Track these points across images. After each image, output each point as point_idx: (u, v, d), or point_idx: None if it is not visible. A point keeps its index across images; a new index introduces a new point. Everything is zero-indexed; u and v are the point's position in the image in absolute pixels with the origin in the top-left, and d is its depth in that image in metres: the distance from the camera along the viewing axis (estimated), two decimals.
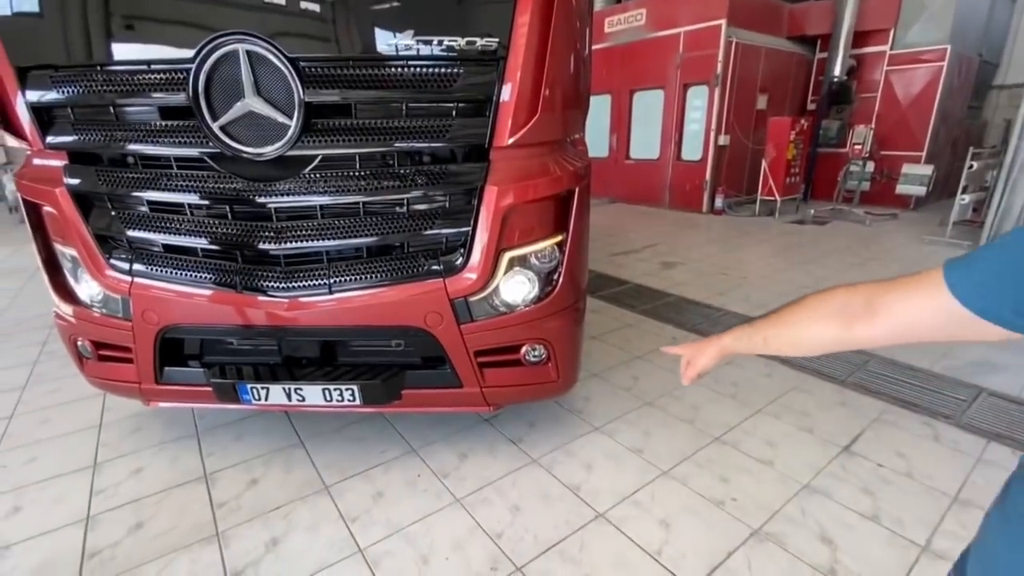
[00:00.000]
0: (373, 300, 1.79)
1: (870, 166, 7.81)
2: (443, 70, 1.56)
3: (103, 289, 1.88)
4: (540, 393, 2.09)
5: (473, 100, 1.61)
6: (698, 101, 7.91)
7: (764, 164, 7.56)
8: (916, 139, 7.82)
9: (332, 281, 1.78)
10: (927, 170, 7.12)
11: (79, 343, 2.05)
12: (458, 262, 1.76)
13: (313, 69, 1.54)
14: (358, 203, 1.71)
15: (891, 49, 7.93)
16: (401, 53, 1.54)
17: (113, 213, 1.80)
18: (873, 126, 7.63)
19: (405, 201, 1.72)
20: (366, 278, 1.78)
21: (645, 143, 8.86)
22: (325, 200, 1.69)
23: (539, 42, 1.58)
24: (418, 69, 1.56)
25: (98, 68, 1.61)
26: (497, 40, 1.55)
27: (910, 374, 2.81)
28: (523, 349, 1.92)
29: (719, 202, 7.97)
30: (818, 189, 8.87)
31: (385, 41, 1.54)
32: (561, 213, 1.84)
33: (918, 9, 7.58)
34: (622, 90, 8.97)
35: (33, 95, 1.67)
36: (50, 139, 1.74)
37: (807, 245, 5.95)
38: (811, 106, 8.86)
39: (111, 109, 1.67)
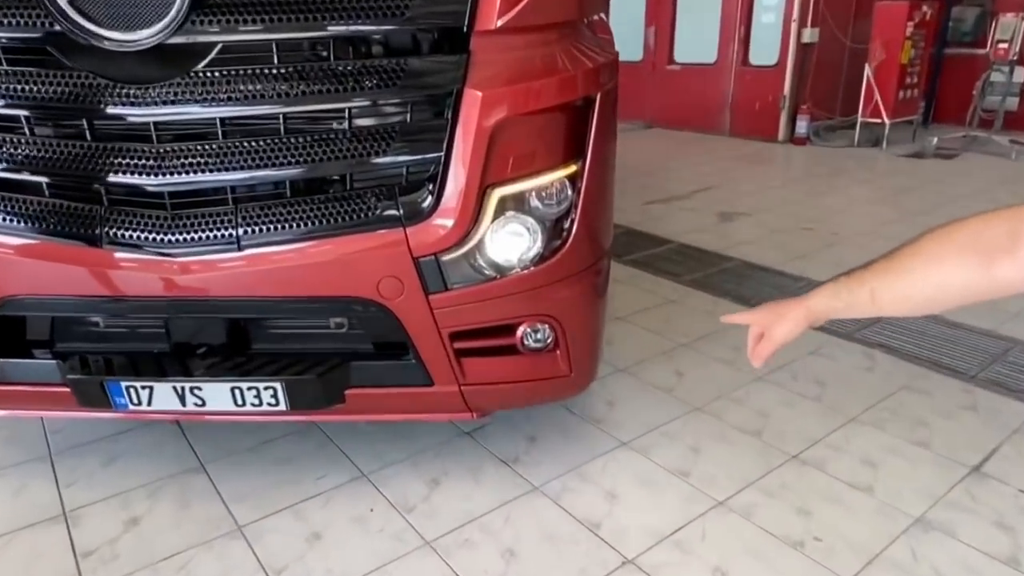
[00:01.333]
0: (302, 260, 1.78)
1: (1020, 74, 7.76)
2: None
3: None
4: (545, 393, 2.12)
5: None
6: None
7: (868, 71, 7.51)
8: None
9: (241, 232, 1.75)
10: None
11: None
12: (425, 204, 1.74)
13: None
14: (277, 115, 1.68)
15: None
16: None
17: None
18: None
19: (346, 112, 1.68)
20: (291, 227, 1.75)
21: (696, 41, 8.80)
22: (228, 111, 1.65)
23: None
24: None
25: None
26: None
27: None
28: (520, 330, 1.93)
29: (802, 127, 7.96)
30: (944, 108, 8.86)
31: None
32: (575, 132, 1.83)
33: None
34: None
35: None
36: None
37: (926, 188, 5.98)
38: None
39: None
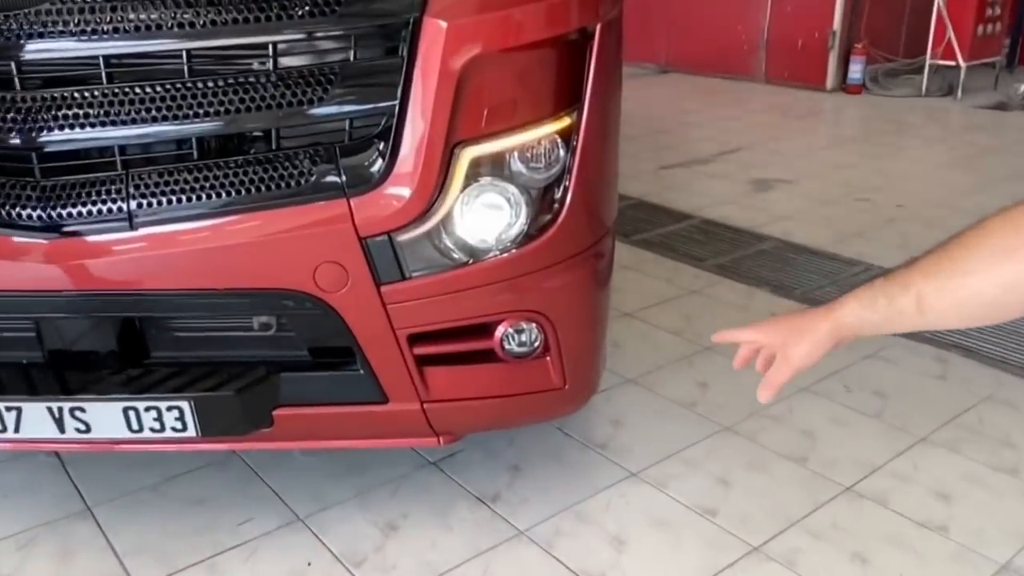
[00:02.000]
0: (214, 241, 1.77)
1: None
2: None
3: None
4: (532, 412, 2.14)
5: None
6: None
7: (939, 1, 7.56)
8: None
9: (134, 205, 1.73)
10: None
11: None
12: (374, 168, 1.75)
13: None
14: (179, 51, 1.66)
15: None
16: None
17: None
18: None
19: (269, 48, 1.67)
20: (199, 198, 1.74)
21: None
22: (114, 46, 1.64)
23: None
24: None
25: None
26: None
27: None
28: (499, 331, 1.94)
29: (856, 71, 8.03)
30: None
31: None
32: (568, 74, 1.85)
33: None
34: None
35: None
36: None
37: (1013, 148, 6.07)
38: None
39: None
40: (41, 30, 1.61)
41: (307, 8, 1.63)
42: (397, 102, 1.69)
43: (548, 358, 1.99)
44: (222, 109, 1.68)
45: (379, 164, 1.73)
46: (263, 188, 1.73)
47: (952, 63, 7.63)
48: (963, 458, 2.44)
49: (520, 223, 1.85)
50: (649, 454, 2.47)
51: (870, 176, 5.41)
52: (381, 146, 1.73)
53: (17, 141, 1.67)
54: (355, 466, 2.40)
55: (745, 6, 8.69)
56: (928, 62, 7.85)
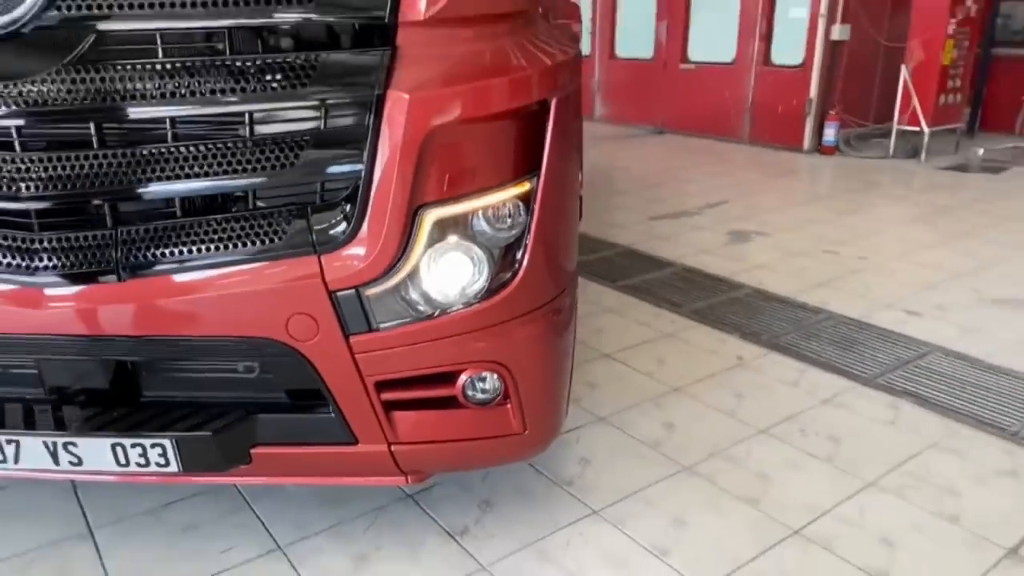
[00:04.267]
0: (195, 292, 1.73)
1: None
2: None
3: None
4: (493, 455, 2.07)
5: None
6: None
7: (905, 73, 7.48)
8: None
9: (123, 257, 1.69)
10: None
11: None
12: (342, 227, 1.69)
13: None
14: (164, 119, 1.61)
15: None
16: None
17: None
18: None
19: (246, 117, 1.61)
20: (182, 252, 1.70)
21: (712, 38, 8.87)
22: (106, 113, 1.59)
23: None
24: None
25: None
26: None
27: None
28: (462, 379, 1.87)
29: (830, 134, 7.95)
30: (992, 115, 8.83)
31: None
32: (527, 142, 1.79)
33: None
34: None
35: None
36: None
37: (973, 205, 5.93)
38: None
39: None
40: (37, 98, 1.57)
41: (281, 81, 1.58)
42: (364, 167, 1.63)
43: (508, 405, 1.91)
44: (202, 171, 1.62)
45: (347, 224, 1.66)
46: (239, 244, 1.67)
47: (917, 129, 7.51)
48: (908, 504, 2.29)
49: (482, 280, 1.78)
50: (612, 492, 2.35)
51: (838, 230, 5.28)
52: (348, 208, 1.66)
53: (16, 197, 1.64)
54: (337, 497, 2.31)
55: (732, 77, 8.65)
56: (895, 127, 7.73)
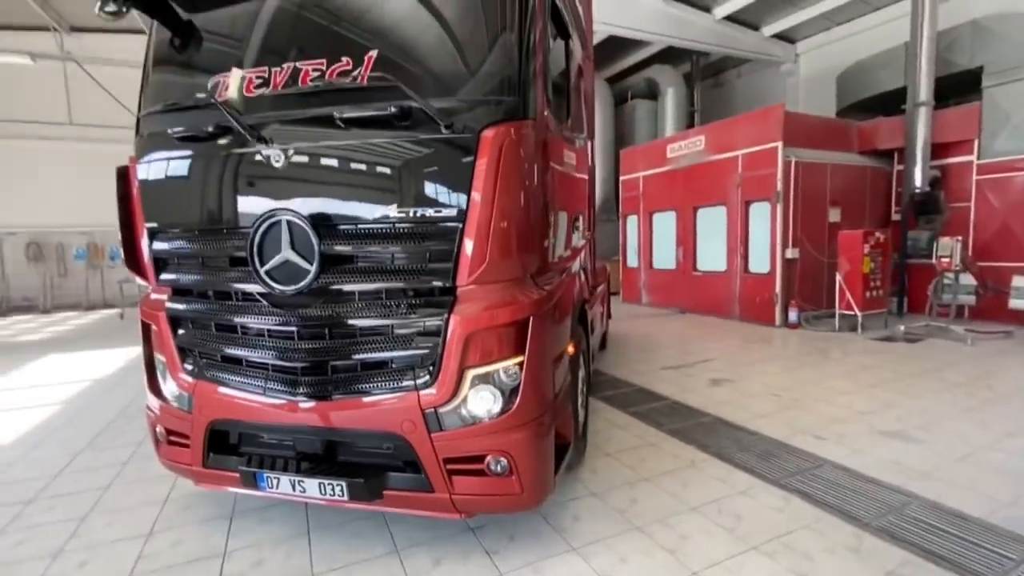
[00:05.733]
0: (362, 406, 2.14)
1: (967, 278, 7.13)
2: (416, 228, 2.05)
3: (177, 387, 2.45)
4: (506, 505, 2.21)
5: (441, 251, 2.05)
6: (762, 216, 7.99)
7: (839, 278, 7.24)
8: None
9: (335, 389, 2.16)
10: None
11: (157, 429, 2.60)
12: (428, 378, 2.08)
13: (327, 230, 2.11)
14: (355, 327, 2.15)
15: (979, 159, 7.60)
16: (388, 220, 2.07)
17: (192, 331, 2.43)
18: (961, 238, 7.11)
19: (391, 326, 2.12)
20: (360, 388, 2.15)
21: (711, 256, 8.95)
22: (333, 324, 2.14)
23: (483, 213, 2.01)
24: (400, 228, 2.07)
25: (196, 231, 2.33)
26: (455, 210, 2.02)
27: (956, 523, 2.49)
28: (487, 459, 2.10)
29: (793, 315, 7.63)
30: (916, 301, 8.15)
31: (375, 212, 2.08)
32: (518, 337, 2.09)
33: (1001, 120, 7.33)
34: (686, 207, 9.34)
35: (156, 247, 2.42)
36: (161, 277, 2.46)
37: (887, 366, 5.46)
38: (896, 216, 8.51)
39: (200, 259, 2.36)
40: (307, 318, 2.14)
41: (405, 309, 2.08)
42: (440, 350, 2.04)
43: (513, 477, 2.09)
44: (370, 350, 2.10)
45: (430, 377, 2.05)
46: (384, 385, 2.10)
47: (853, 312, 7.12)
48: (775, 563, 2.25)
49: (499, 406, 2.06)
50: (587, 537, 2.45)
51: (784, 380, 5.03)
52: (432, 368, 2.05)
53: (293, 361, 2.17)
54: (433, 524, 2.51)
55: (726, 279, 8.65)
56: (838, 311, 7.37)
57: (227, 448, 2.44)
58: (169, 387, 2.51)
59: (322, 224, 2.11)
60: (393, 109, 2.00)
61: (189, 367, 2.42)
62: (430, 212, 2.04)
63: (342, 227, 2.11)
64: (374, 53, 2.10)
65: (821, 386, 4.84)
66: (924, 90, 7.64)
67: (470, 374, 2.08)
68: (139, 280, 2.56)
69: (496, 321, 2.06)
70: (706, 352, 6.33)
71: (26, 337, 8.76)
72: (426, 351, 2.09)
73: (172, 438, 2.54)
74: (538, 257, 2.23)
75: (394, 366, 2.14)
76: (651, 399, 4.55)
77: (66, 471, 3.35)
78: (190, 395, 2.41)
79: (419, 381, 2.09)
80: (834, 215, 8.16)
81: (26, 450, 3.72)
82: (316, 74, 2.14)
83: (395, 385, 2.12)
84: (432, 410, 2.09)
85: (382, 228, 2.08)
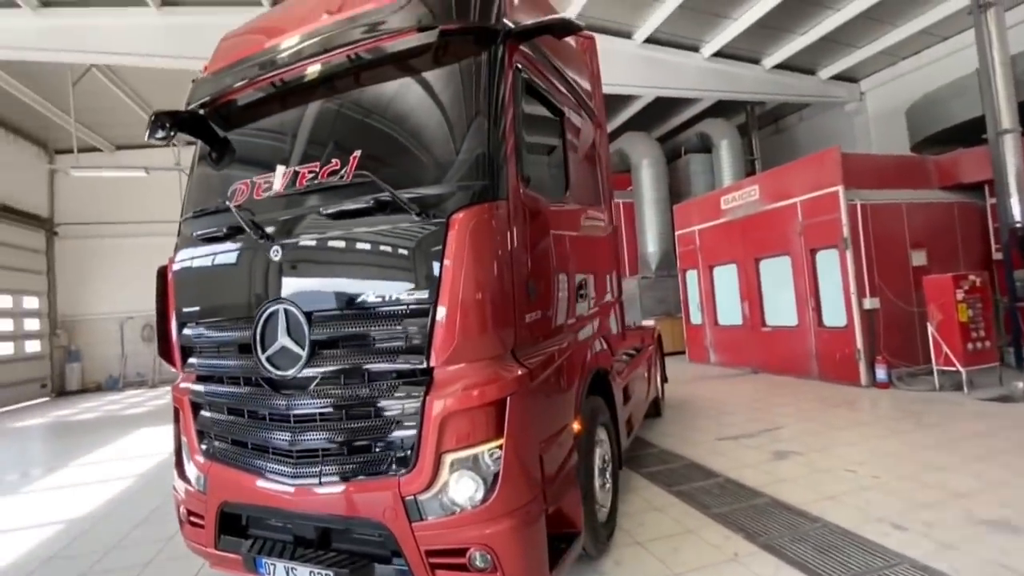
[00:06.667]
0: (347, 492, 2.14)
1: None
2: (393, 311, 2.12)
3: (195, 468, 2.61)
4: None
5: (415, 333, 2.09)
6: (831, 264, 7.39)
7: (931, 329, 6.39)
8: None
9: (324, 478, 2.19)
10: None
11: (180, 509, 2.75)
12: (408, 462, 2.07)
13: (316, 317, 2.23)
14: (340, 410, 2.20)
15: None
16: (367, 306, 2.16)
17: (207, 414, 2.61)
18: None
19: (371, 410, 2.15)
20: (345, 473, 2.17)
21: (780, 309, 8.32)
22: (320, 407, 2.22)
23: (451, 294, 2.04)
24: (380, 311, 2.14)
25: (212, 321, 2.57)
26: (426, 292, 2.07)
27: None
28: (469, 553, 2.00)
29: (881, 373, 6.76)
30: None
31: (358, 297, 2.19)
32: (496, 419, 2.04)
33: None
34: (747, 259, 8.89)
35: (182, 335, 2.68)
36: (188, 362, 2.70)
37: (999, 433, 4.62)
38: (998, 255, 7.49)
39: (217, 347, 2.58)
40: (300, 404, 2.23)
41: (387, 392, 2.11)
42: (416, 434, 2.03)
43: (497, 574, 1.97)
44: (354, 439, 2.15)
45: (409, 464, 2.04)
46: (366, 473, 2.11)
47: (954, 368, 6.18)
48: None
49: (480, 492, 2.00)
50: None
51: (864, 452, 4.38)
52: (410, 454, 2.05)
53: (291, 447, 2.25)
54: None
55: (799, 335, 7.94)
56: (936, 367, 6.43)
57: (237, 531, 2.50)
58: (190, 468, 2.67)
59: (312, 311, 2.25)
60: (371, 202, 2.15)
61: (204, 447, 2.57)
62: (404, 295, 2.11)
63: (329, 313, 2.23)
64: (358, 152, 2.30)
65: (910, 458, 4.18)
66: (1007, 116, 6.92)
67: (448, 459, 2.04)
68: (171, 368, 2.83)
69: (469, 402, 2.03)
70: (775, 418, 5.74)
71: (131, 411, 9.83)
72: (405, 434, 2.09)
73: (192, 519, 2.66)
74: (517, 331, 2.19)
75: (376, 450, 2.16)
76: (700, 476, 4.16)
77: (120, 545, 3.59)
78: (205, 476, 2.55)
79: (398, 469, 2.08)
80: (918, 258, 7.35)
81: (94, 522, 4.07)
82: (311, 175, 2.37)
83: (375, 470, 2.13)
84: (412, 497, 2.05)
85: (363, 312, 2.18)
